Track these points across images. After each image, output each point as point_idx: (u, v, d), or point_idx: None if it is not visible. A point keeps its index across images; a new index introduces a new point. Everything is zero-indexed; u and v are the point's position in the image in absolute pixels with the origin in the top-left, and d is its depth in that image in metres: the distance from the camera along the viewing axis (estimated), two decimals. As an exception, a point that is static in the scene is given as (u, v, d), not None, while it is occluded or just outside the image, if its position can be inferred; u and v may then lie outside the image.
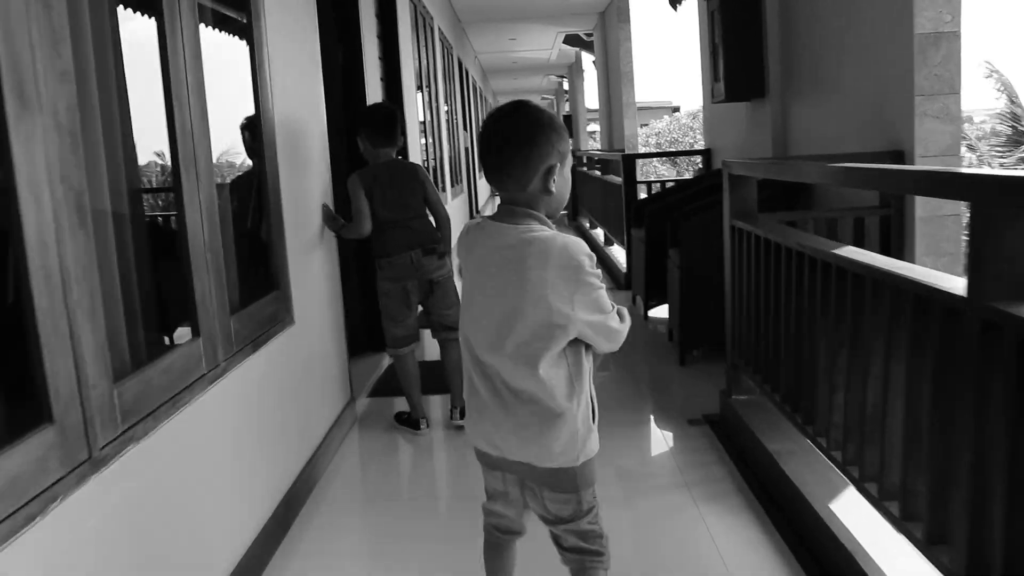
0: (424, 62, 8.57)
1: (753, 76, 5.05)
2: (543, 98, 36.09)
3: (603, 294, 1.70)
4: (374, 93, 5.39)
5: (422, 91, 8.04)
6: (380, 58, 6.28)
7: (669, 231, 5.03)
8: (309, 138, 3.64)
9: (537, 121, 1.68)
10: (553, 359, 1.69)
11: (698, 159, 8.88)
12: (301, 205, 3.45)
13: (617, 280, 7.41)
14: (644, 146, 30.42)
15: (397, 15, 6.54)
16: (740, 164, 3.42)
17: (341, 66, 4.94)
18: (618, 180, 7.59)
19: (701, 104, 6.97)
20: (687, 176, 25.37)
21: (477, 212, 15.23)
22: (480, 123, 18.85)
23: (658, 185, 8.47)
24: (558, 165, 1.70)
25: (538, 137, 1.67)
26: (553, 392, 1.70)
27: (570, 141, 1.96)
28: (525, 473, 1.82)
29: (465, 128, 14.01)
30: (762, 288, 3.18)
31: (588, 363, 1.79)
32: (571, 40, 18.50)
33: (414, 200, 3.87)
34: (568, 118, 23.45)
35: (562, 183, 1.73)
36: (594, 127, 29.66)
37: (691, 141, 34.13)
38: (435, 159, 8.79)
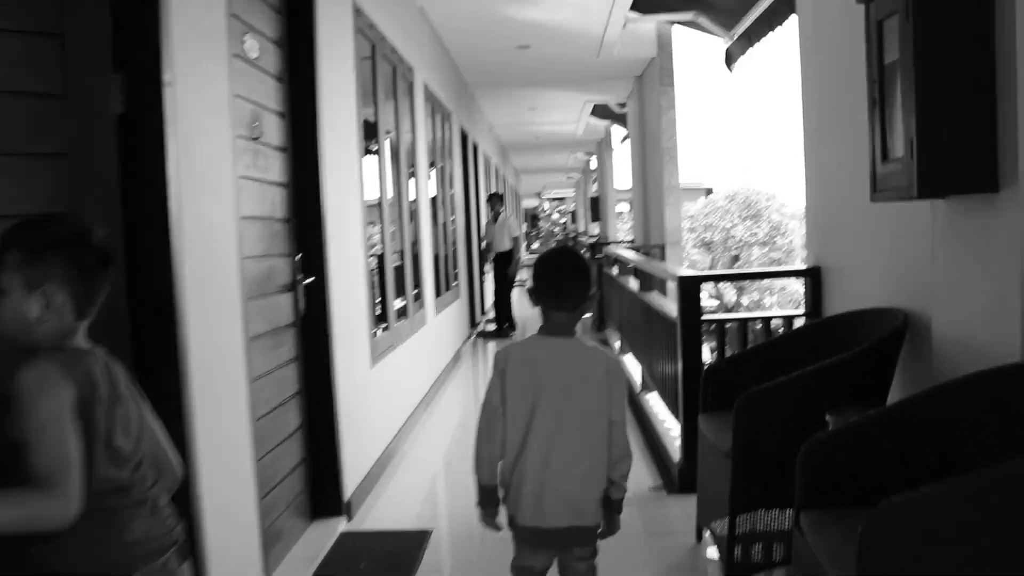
0: (395, 125, 6.08)
1: (978, 149, 2.42)
2: (568, 177, 33.84)
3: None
4: (213, 170, 2.80)
5: (387, 163, 5.50)
6: (282, 111, 3.74)
7: (802, 469, 2.33)
8: None
9: (584, 262, 2.43)
10: (601, 437, 2.33)
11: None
12: None
13: (667, 471, 4.67)
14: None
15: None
16: None
17: (118, 116, 2.36)
18: (669, 310, 4.97)
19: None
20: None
21: (482, 314, 12.60)
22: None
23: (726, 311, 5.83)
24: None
25: (586, 273, 2.37)
26: (598, 462, 2.33)
27: None
28: (567, 537, 2.35)
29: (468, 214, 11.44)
30: None
31: None
32: (600, 111, 16.13)
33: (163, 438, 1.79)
34: (596, 200, 20.98)
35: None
36: (623, 207, 27.25)
37: (726, 226, 31.65)
38: (401, 259, 6.23)
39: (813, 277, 4.30)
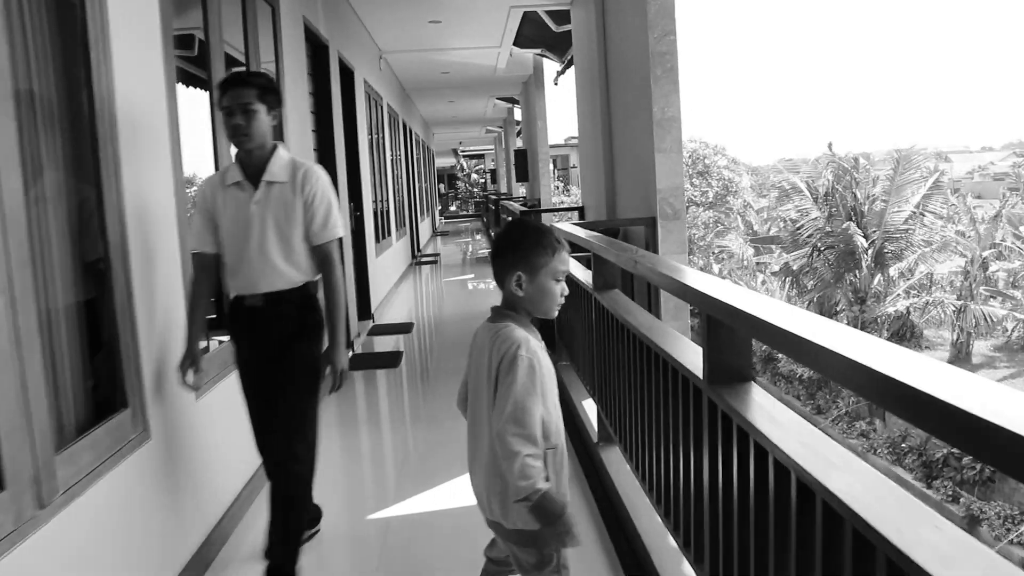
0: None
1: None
2: (487, 131, 29.60)
3: (521, 391, 1.96)
4: None
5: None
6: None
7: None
8: None
9: (509, 237, 2.16)
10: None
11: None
12: None
13: None
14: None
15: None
16: None
17: None
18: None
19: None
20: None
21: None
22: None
23: None
24: (522, 275, 2.07)
25: (508, 249, 2.12)
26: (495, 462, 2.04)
27: (554, 256, 2.10)
28: (497, 531, 2.16)
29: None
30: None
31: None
32: (528, 38, 12.01)
33: None
34: (522, 154, 16.85)
35: (533, 290, 2.08)
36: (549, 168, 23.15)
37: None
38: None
39: None
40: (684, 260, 5.90)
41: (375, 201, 10.12)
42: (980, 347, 26.43)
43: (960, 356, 25.33)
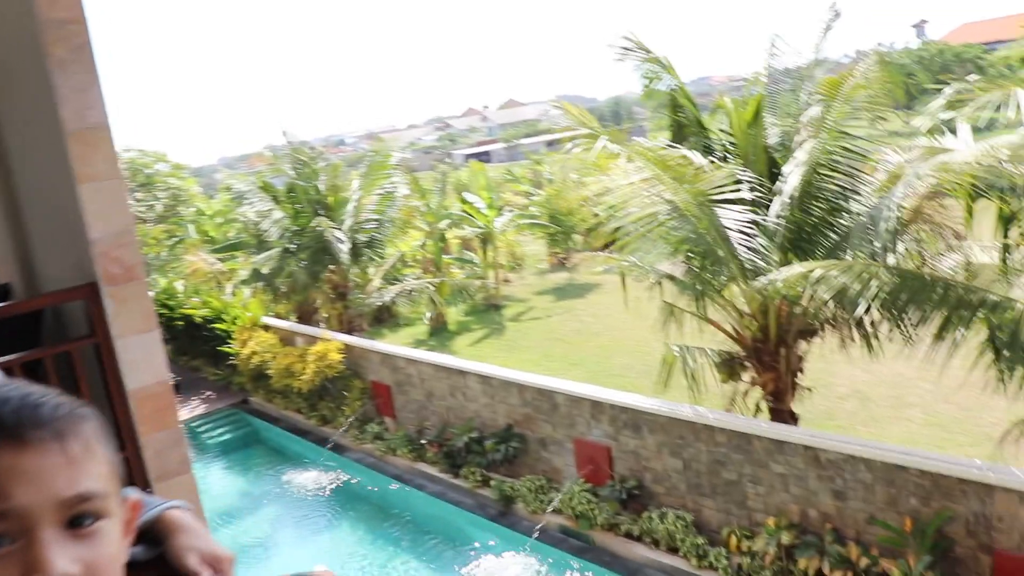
0: None
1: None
2: None
3: None
4: None
5: None
6: None
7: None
8: None
9: None
10: None
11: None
12: None
13: None
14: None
15: None
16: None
17: None
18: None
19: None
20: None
21: None
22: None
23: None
24: None
25: None
26: None
27: None
28: None
29: None
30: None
31: None
32: None
33: None
34: None
35: None
36: None
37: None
38: None
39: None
40: (156, 340, 3.88)
41: None
42: (453, 314, 27.80)
43: (439, 327, 26.28)
